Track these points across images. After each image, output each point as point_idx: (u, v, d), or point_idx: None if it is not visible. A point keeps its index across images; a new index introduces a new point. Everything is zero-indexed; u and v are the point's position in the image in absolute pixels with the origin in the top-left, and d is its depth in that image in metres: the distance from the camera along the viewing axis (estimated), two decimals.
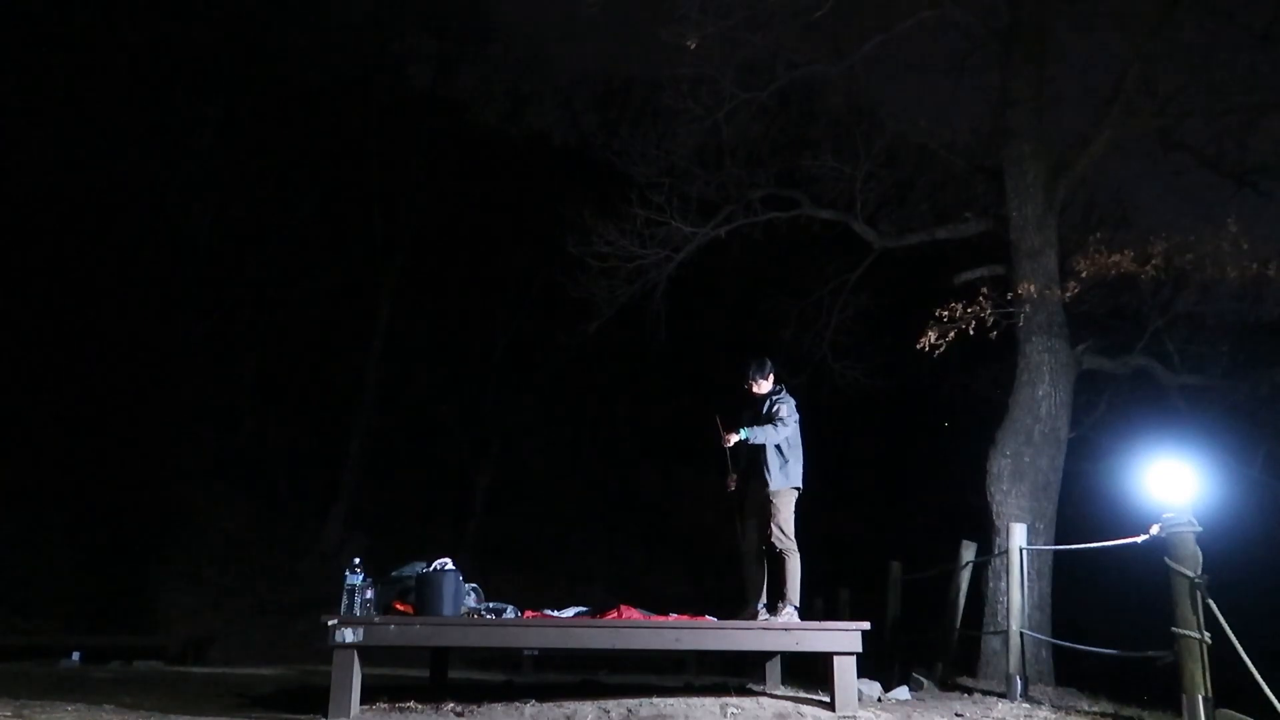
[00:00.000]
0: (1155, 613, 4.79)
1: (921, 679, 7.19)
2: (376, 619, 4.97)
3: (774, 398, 6.08)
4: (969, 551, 8.32)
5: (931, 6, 10.47)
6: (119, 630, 12.71)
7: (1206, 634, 4.27)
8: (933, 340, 9.93)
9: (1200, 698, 4.23)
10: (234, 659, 12.19)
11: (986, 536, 8.84)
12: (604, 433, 24.97)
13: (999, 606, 8.34)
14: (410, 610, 5.21)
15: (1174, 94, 10.04)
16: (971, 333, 9.80)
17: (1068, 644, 6.75)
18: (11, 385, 16.04)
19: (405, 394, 21.27)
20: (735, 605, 6.34)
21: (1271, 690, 4.01)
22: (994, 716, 5.54)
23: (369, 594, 5.08)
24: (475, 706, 4.91)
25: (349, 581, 5.04)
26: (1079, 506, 10.76)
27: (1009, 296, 9.62)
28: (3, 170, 16.65)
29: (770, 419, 5.95)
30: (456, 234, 21.85)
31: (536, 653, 9.10)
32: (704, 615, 5.72)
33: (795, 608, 5.76)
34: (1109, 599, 13.14)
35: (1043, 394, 9.25)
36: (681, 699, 5.01)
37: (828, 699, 5.06)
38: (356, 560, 5.20)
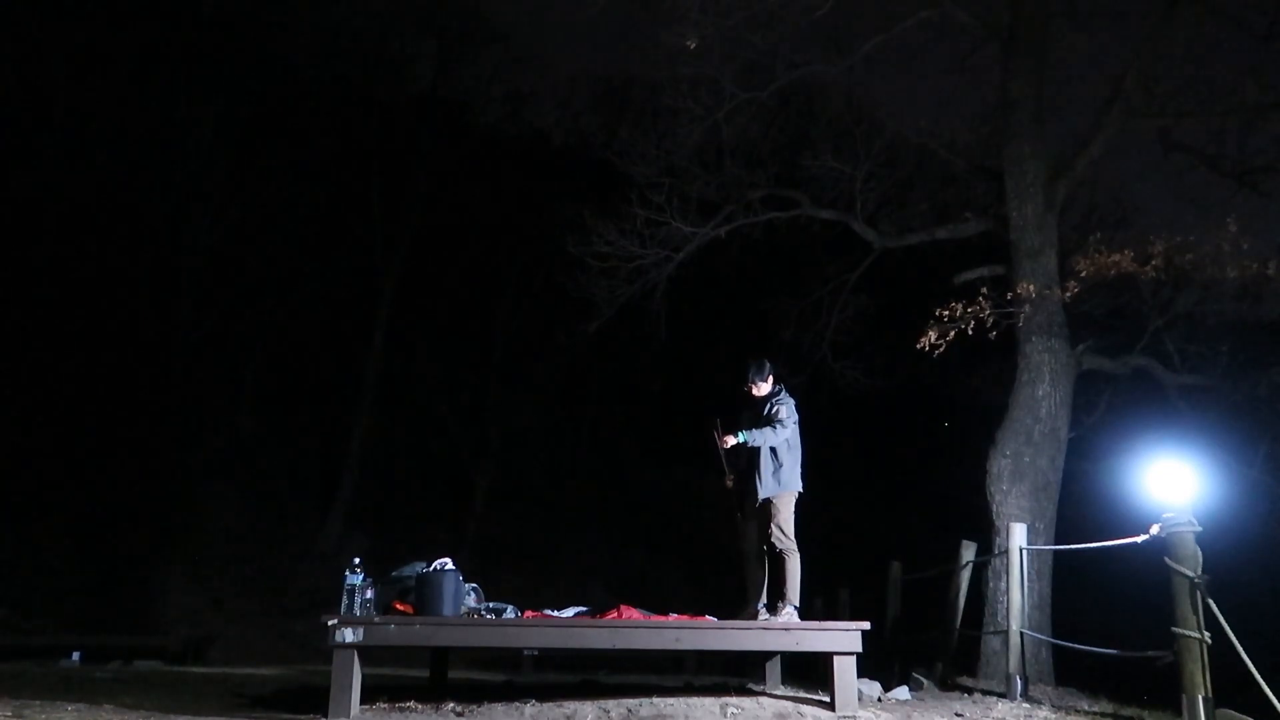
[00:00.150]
0: (1155, 613, 4.79)
1: (921, 679, 7.19)
2: (376, 619, 4.97)
3: (774, 399, 6.06)
4: (969, 551, 8.31)
5: (931, 6, 10.47)
6: (119, 630, 12.71)
7: (1206, 634, 4.27)
8: (933, 340, 9.93)
9: (1200, 698, 4.23)
10: (234, 659, 12.20)
11: (986, 536, 8.84)
12: (604, 433, 24.96)
13: (999, 606, 8.34)
14: (410, 610, 5.21)
15: (1174, 94, 10.07)
16: (971, 333, 9.79)
17: (1068, 644, 6.74)
18: (12, 385, 16.04)
19: (405, 393, 21.26)
20: (735, 605, 6.34)
21: (1271, 690, 4.01)
22: (994, 716, 5.54)
23: (369, 594, 5.07)
24: (475, 706, 4.91)
25: (349, 581, 5.04)
26: (1079, 506, 10.75)
27: (1009, 296, 9.62)
28: (3, 170, 16.65)
29: (770, 421, 5.94)
30: (457, 233, 21.86)
31: (536, 653, 9.11)
32: (704, 615, 5.72)
33: (795, 608, 5.76)
34: (1109, 599, 13.14)
35: (1043, 394, 9.25)
36: (681, 699, 5.01)
37: (828, 699, 5.06)
38: (356, 560, 5.20)
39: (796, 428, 6.02)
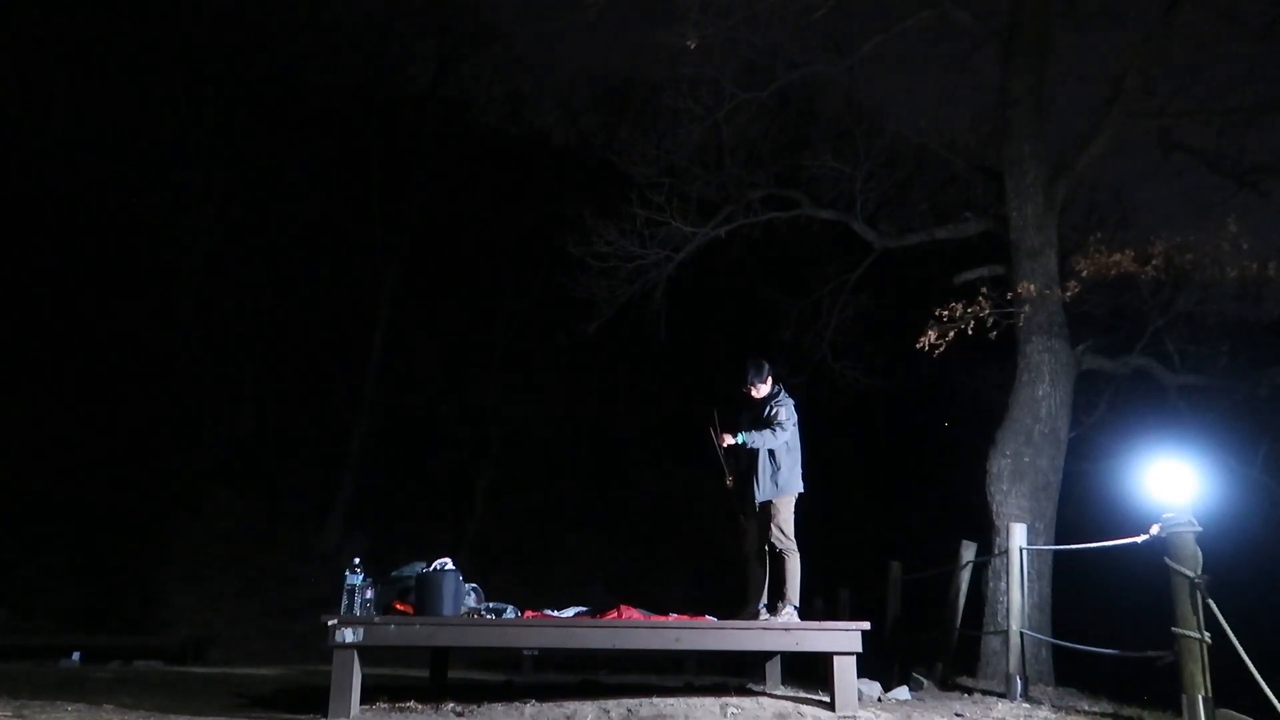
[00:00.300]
0: (1155, 613, 4.79)
1: (921, 679, 7.19)
2: (376, 619, 4.97)
3: (773, 400, 6.05)
4: (969, 551, 8.31)
5: (931, 6, 10.47)
6: (119, 630, 12.72)
7: (1206, 634, 4.26)
8: (933, 340, 9.92)
9: (1200, 698, 4.23)
10: (234, 659, 12.19)
11: (986, 536, 8.84)
12: (604, 433, 24.96)
13: (999, 606, 8.34)
14: (410, 610, 5.21)
15: (1174, 94, 10.05)
16: (971, 333, 9.79)
17: (1068, 644, 6.74)
18: (12, 385, 16.04)
19: (405, 394, 21.26)
20: (735, 605, 6.34)
21: (1271, 690, 4.01)
22: (994, 716, 5.54)
23: (369, 594, 5.08)
24: (475, 706, 4.91)
25: (349, 581, 5.04)
26: (1079, 506, 10.76)
27: (1009, 296, 9.62)
28: (4, 170, 16.65)
29: (769, 422, 5.93)
30: (457, 234, 21.85)
31: (536, 653, 9.11)
32: (704, 615, 5.72)
33: (795, 608, 5.76)
34: (1109, 599, 13.13)
35: (1043, 394, 9.24)
36: (681, 699, 5.01)
37: (828, 699, 5.06)
38: (356, 560, 5.20)
39: (796, 429, 6.01)
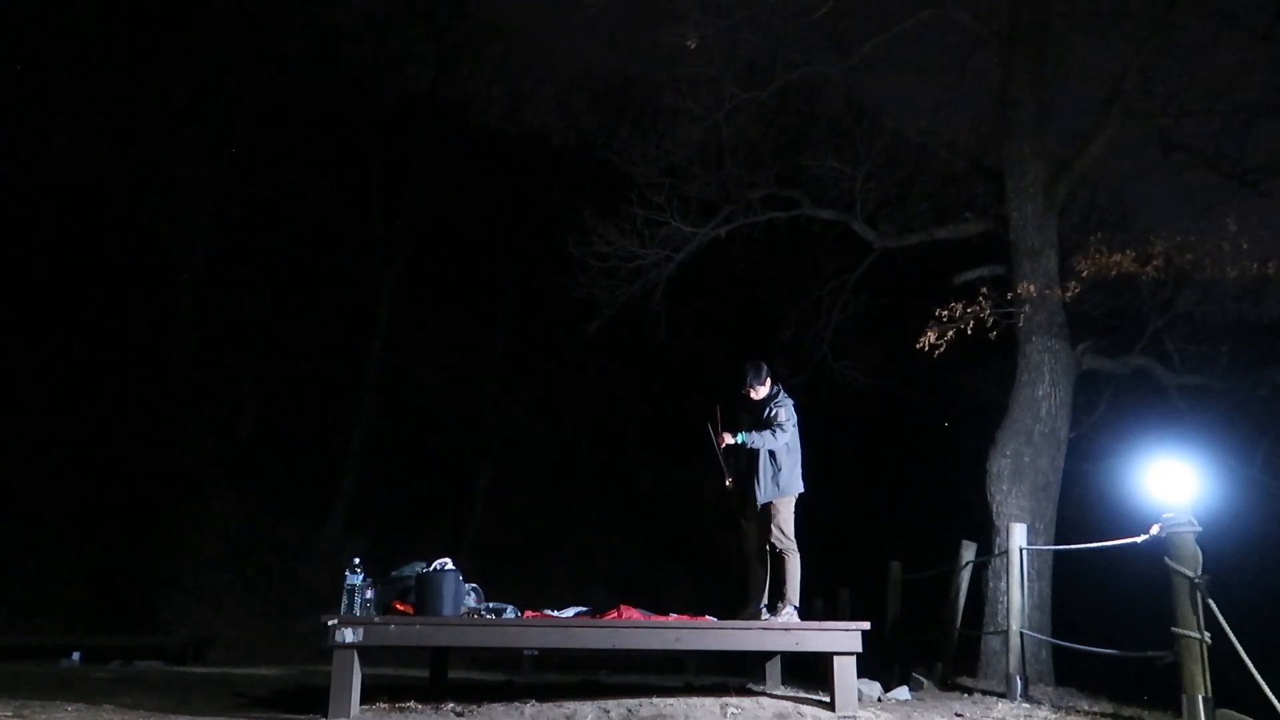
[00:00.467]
0: (1155, 613, 4.79)
1: (921, 679, 7.19)
2: (376, 619, 4.97)
3: (773, 401, 6.05)
4: (969, 551, 8.31)
5: (931, 6, 10.47)
6: (119, 630, 12.71)
7: (1206, 634, 4.27)
8: (932, 340, 9.93)
9: (1200, 698, 4.23)
10: (234, 659, 12.19)
11: (986, 536, 8.84)
12: (604, 432, 24.97)
13: (999, 606, 8.35)
14: (410, 610, 5.21)
15: (1174, 94, 10.04)
16: (971, 333, 9.80)
17: (1068, 644, 6.75)
18: (11, 385, 16.04)
19: (405, 395, 21.26)
20: (735, 605, 6.34)
21: (1271, 690, 4.01)
22: (994, 716, 5.55)
23: (369, 594, 5.08)
24: (475, 706, 4.91)
25: (349, 581, 5.05)
26: (1079, 506, 10.76)
27: (1009, 296, 9.62)
28: (3, 170, 16.65)
29: (769, 424, 5.93)
30: (457, 234, 21.85)
31: (536, 653, 9.11)
32: (704, 615, 5.73)
33: (795, 608, 5.76)
34: (1109, 599, 13.13)
35: (1043, 394, 9.25)
36: (681, 699, 5.01)
37: (828, 699, 5.06)
38: (356, 560, 5.20)
39: (796, 429, 6.01)
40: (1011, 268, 9.74)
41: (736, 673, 8.57)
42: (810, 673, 6.16)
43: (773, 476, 5.89)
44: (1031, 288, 9.31)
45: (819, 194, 12.11)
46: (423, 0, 21.55)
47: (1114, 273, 9.59)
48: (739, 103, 11.35)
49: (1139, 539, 4.73)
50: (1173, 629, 4.34)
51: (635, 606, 5.55)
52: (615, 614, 5.38)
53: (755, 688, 5.92)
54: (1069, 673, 8.30)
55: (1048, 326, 9.37)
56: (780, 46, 11.30)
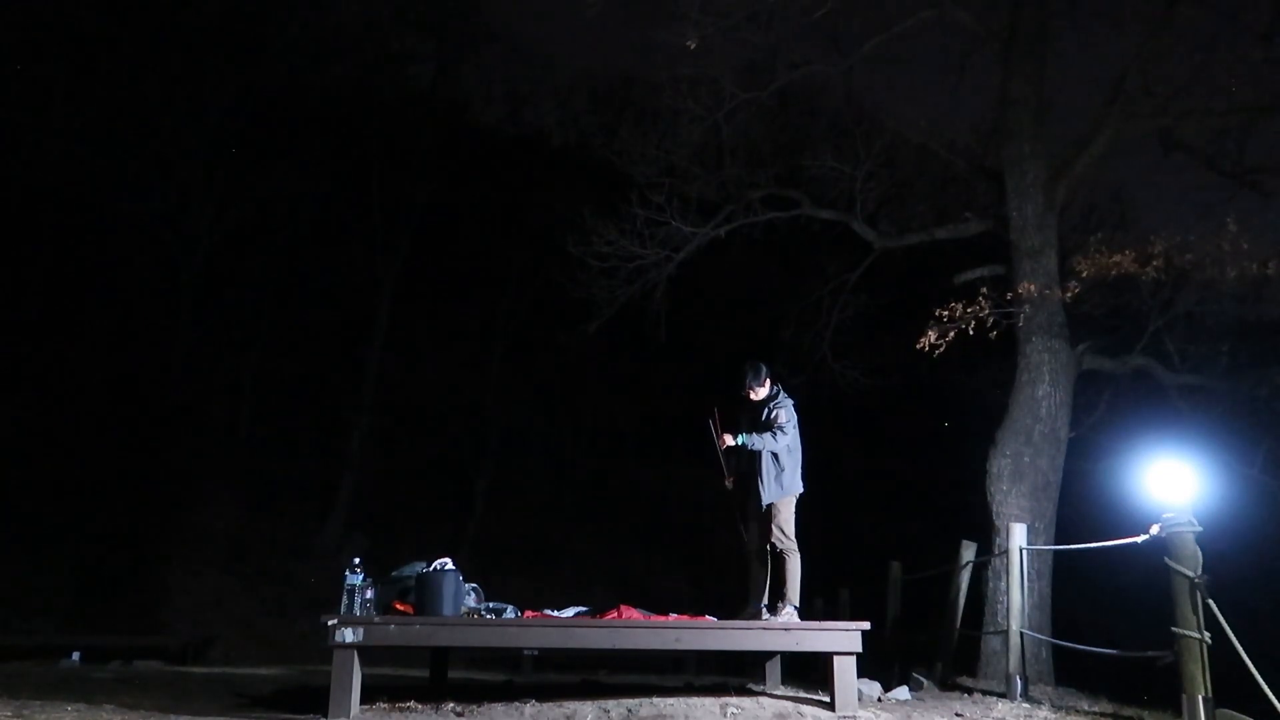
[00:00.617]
0: (1155, 613, 4.79)
1: (921, 679, 7.19)
2: (376, 619, 4.97)
3: (772, 402, 6.04)
4: (969, 551, 8.31)
5: (931, 6, 10.47)
6: (119, 630, 12.71)
7: (1206, 634, 4.27)
8: (933, 340, 9.93)
9: (1200, 698, 4.23)
10: (234, 659, 12.20)
11: (986, 536, 8.84)
12: (604, 432, 24.96)
13: (999, 606, 8.35)
14: (410, 610, 5.21)
15: (1174, 94, 10.04)
16: (971, 333, 9.80)
17: (1068, 644, 6.74)
18: (12, 385, 16.04)
19: (405, 393, 21.26)
20: (735, 605, 6.34)
21: (1271, 690, 4.01)
22: (994, 716, 5.55)
23: (369, 594, 5.08)
24: (475, 706, 4.91)
25: (349, 581, 5.05)
26: (1079, 506, 10.76)
27: (1009, 296, 9.62)
28: (3, 170, 16.65)
29: (769, 425, 5.93)
30: (457, 233, 21.84)
31: (536, 653, 9.11)
32: (704, 615, 5.73)
33: (795, 608, 5.76)
34: (1109, 599, 13.14)
35: (1043, 394, 9.25)
36: (681, 699, 5.01)
37: (828, 699, 5.06)
38: (356, 560, 5.20)
39: (796, 430, 6.01)
40: (1011, 268, 9.74)
41: (736, 673, 8.57)
42: (810, 673, 6.17)
43: (776, 477, 5.89)
44: (1031, 288, 9.31)
45: (819, 194, 12.11)
46: (423, 0, 21.55)
47: (1114, 273, 9.59)
48: (739, 103, 11.36)
49: (1139, 539, 4.73)
50: (1173, 629, 4.34)
51: (635, 606, 5.55)
52: (615, 614, 5.38)
53: (755, 688, 5.92)
54: (1069, 673, 8.30)
55: (1048, 326, 9.37)
56: (780, 46, 11.32)
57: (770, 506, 5.88)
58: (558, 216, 14.07)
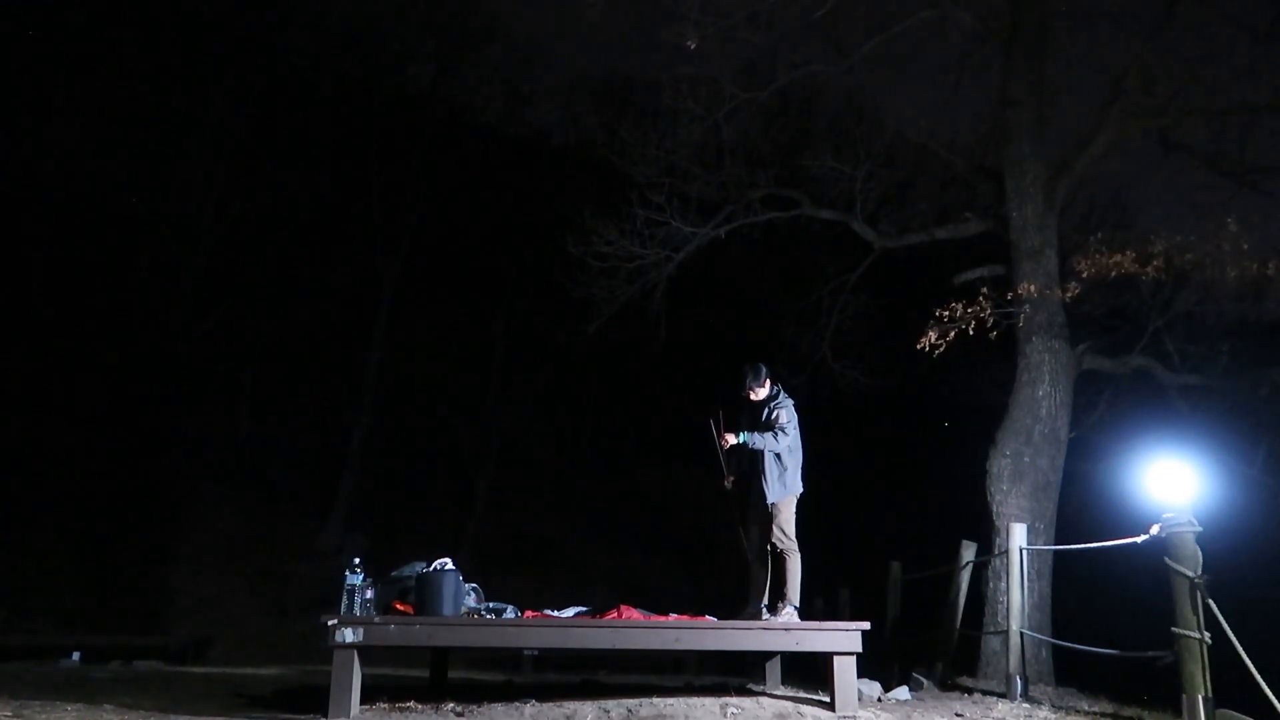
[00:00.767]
0: (1155, 613, 4.79)
1: (921, 679, 7.19)
2: (376, 619, 4.97)
3: (773, 403, 6.05)
4: (969, 551, 8.32)
5: (931, 6, 10.48)
6: (119, 630, 12.71)
7: (1206, 634, 4.27)
8: (933, 340, 9.93)
9: (1200, 698, 4.23)
10: (234, 659, 12.19)
11: (986, 536, 8.84)
12: (604, 433, 24.96)
13: (999, 606, 8.35)
14: (410, 610, 5.21)
15: (1174, 94, 10.04)
16: (971, 333, 9.80)
17: (1068, 644, 6.75)
18: (11, 385, 16.03)
19: (405, 394, 21.26)
20: (735, 605, 6.34)
21: (1271, 690, 4.01)
22: (994, 716, 5.55)
23: (369, 594, 5.08)
24: (475, 706, 4.91)
25: (349, 581, 5.05)
26: (1079, 506, 10.75)
27: (1009, 296, 9.62)
28: (4, 168, 16.65)
29: (770, 425, 5.93)
30: (457, 233, 21.84)
31: (536, 653, 9.12)
32: (704, 615, 5.73)
33: (795, 608, 5.77)
34: (1109, 599, 13.12)
35: (1043, 394, 9.25)
36: (681, 699, 5.01)
37: (828, 699, 5.06)
38: (356, 560, 5.20)
39: (797, 430, 6.02)
40: (1011, 268, 9.74)
41: (736, 673, 8.56)
42: (810, 673, 6.16)
43: (779, 476, 5.90)
44: (1031, 288, 9.31)
45: (819, 194, 12.11)
46: (423, 0, 21.55)
47: (1114, 273, 9.59)
48: (739, 103, 11.36)
49: (1139, 539, 4.73)
50: (1173, 629, 4.35)
51: (635, 606, 5.55)
52: (615, 614, 5.38)
53: (755, 688, 5.92)
54: (1069, 673, 8.30)
55: (1048, 327, 9.37)
56: (780, 46, 11.33)
57: (772, 506, 5.89)
58: (558, 216, 14.06)
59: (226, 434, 19.46)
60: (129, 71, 18.04)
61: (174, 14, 19.05)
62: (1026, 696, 6.31)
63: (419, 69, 22.69)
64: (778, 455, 5.91)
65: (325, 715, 4.73)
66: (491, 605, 5.55)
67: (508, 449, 22.13)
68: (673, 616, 5.49)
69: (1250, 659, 4.14)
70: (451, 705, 4.97)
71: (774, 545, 5.88)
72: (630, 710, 4.78)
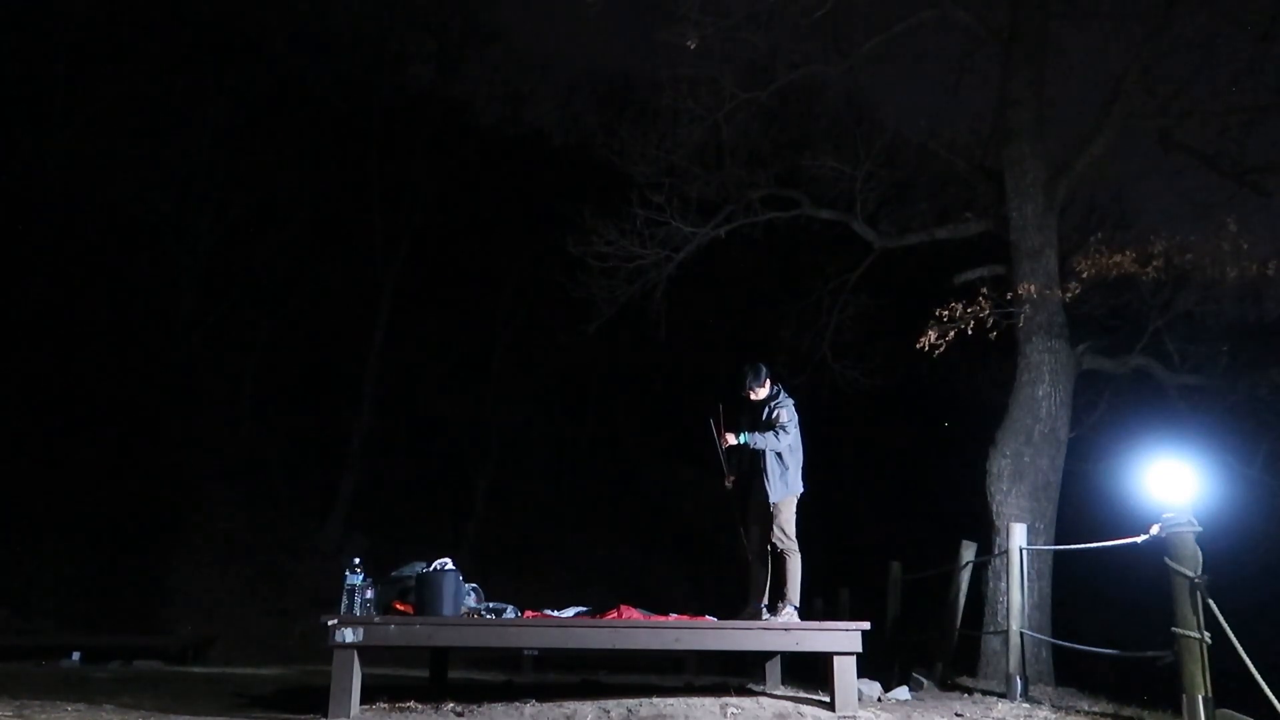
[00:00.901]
0: (1155, 613, 4.79)
1: (921, 679, 7.20)
2: (376, 619, 4.97)
3: (773, 403, 6.05)
4: (969, 551, 8.32)
5: (931, 6, 10.48)
6: (119, 630, 12.70)
7: (1206, 634, 4.27)
8: (933, 340, 9.93)
9: (1200, 698, 4.23)
10: (234, 659, 12.19)
11: (986, 536, 8.84)
12: (604, 433, 24.96)
13: (999, 606, 8.35)
14: (410, 610, 5.21)
15: (1174, 94, 10.05)
16: (971, 333, 9.80)
17: (1068, 644, 6.75)
18: (11, 385, 16.03)
19: (405, 394, 21.26)
20: (735, 605, 6.34)
21: (1271, 690, 4.01)
22: (994, 716, 5.55)
23: (369, 594, 5.08)
24: (475, 706, 4.91)
25: (349, 581, 5.05)
26: (1079, 506, 10.76)
27: (1009, 296, 9.63)
28: (5, 168, 16.65)
29: (770, 425, 5.93)
30: (457, 233, 21.85)
31: (536, 653, 9.10)
32: (704, 615, 5.73)
33: (795, 608, 5.77)
34: (1109, 599, 13.14)
35: (1043, 394, 9.25)
36: (681, 699, 5.01)
37: (828, 699, 5.06)
38: (356, 560, 5.20)
39: (798, 430, 6.02)
40: (1011, 268, 9.74)
41: (736, 673, 8.57)
42: (810, 673, 6.16)
43: (780, 476, 5.90)
44: (1031, 288, 9.31)
45: (819, 194, 12.11)
46: (423, 0, 21.56)
47: (1114, 273, 9.60)
48: (739, 103, 11.35)
49: (1139, 539, 4.73)
50: (1173, 629, 4.34)
51: (635, 606, 5.55)
52: (615, 614, 5.38)
53: (755, 688, 5.92)
54: (1069, 673, 8.31)
55: (1048, 326, 9.37)
56: (780, 46, 11.32)
57: (773, 506, 5.89)
58: (558, 216, 14.05)
59: (226, 434, 19.46)
60: (129, 71, 18.04)
61: (174, 14, 19.05)
62: (1026, 696, 6.31)
63: (419, 69, 22.72)
64: (779, 454, 5.91)
65: (325, 715, 4.73)
66: (491, 605, 5.55)
67: (507, 449, 22.13)
68: (673, 616, 5.50)
69: (1250, 659, 4.14)
70: (451, 705, 4.97)
71: (774, 545, 5.88)
72: (630, 710, 4.78)
